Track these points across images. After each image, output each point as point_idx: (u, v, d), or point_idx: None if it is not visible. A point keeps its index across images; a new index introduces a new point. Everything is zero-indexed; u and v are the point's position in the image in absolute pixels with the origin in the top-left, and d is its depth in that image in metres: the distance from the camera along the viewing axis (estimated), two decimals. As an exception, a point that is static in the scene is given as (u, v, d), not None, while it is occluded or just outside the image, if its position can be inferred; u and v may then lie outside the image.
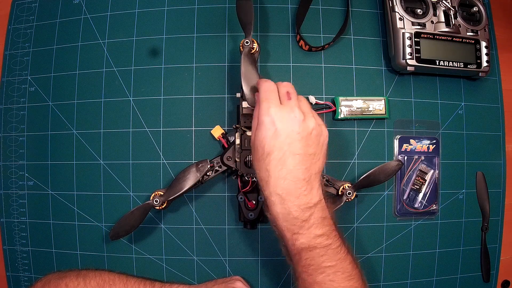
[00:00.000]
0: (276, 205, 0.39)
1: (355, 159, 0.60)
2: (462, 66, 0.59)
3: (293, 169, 0.39)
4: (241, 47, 0.51)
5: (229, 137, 0.57)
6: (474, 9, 0.61)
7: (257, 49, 0.52)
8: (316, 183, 0.40)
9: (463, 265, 0.62)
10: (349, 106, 0.59)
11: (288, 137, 0.39)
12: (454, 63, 0.58)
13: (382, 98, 0.59)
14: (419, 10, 0.59)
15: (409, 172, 0.61)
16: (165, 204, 0.53)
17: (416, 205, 0.61)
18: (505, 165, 0.64)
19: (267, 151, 0.39)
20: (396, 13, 0.58)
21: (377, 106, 0.59)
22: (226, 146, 0.57)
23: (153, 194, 0.53)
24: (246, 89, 0.47)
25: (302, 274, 0.41)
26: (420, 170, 0.61)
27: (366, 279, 0.43)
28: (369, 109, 0.59)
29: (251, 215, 0.54)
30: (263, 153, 0.39)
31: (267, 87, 0.42)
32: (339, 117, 0.59)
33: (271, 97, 0.40)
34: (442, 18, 0.58)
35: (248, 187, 0.53)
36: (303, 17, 0.60)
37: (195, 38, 0.61)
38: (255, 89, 0.46)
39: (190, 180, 0.52)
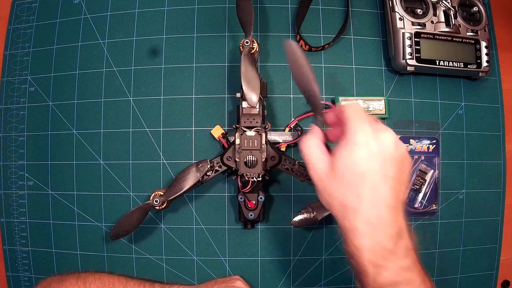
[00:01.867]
0: (364, 236, 0.35)
1: (355, 159, 0.60)
2: (462, 66, 0.59)
3: (385, 196, 0.35)
4: (241, 47, 0.51)
5: (229, 137, 0.57)
6: (474, 9, 0.61)
7: (257, 49, 0.52)
8: (401, 211, 0.36)
9: (463, 265, 0.62)
10: (349, 106, 0.59)
11: (383, 159, 0.35)
12: (454, 63, 0.58)
13: (382, 98, 0.59)
14: (419, 10, 0.59)
15: (409, 172, 0.60)
16: (165, 204, 0.53)
17: (416, 205, 0.61)
18: (505, 165, 0.64)
19: (360, 174, 0.35)
20: (396, 13, 0.58)
21: (377, 106, 0.59)
22: (226, 146, 0.57)
23: (153, 194, 0.53)
24: (246, 88, 0.47)
25: None
26: (420, 170, 0.61)
27: None
28: (369, 109, 0.59)
29: (251, 215, 0.54)
30: (352, 178, 0.35)
31: (357, 106, 0.37)
32: (339, 117, 0.59)
33: (363, 116, 0.36)
34: (442, 18, 0.58)
35: (248, 187, 0.53)
36: (303, 17, 0.60)
37: (195, 38, 0.61)
38: (320, 108, 0.41)
39: (190, 180, 0.51)
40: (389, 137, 0.35)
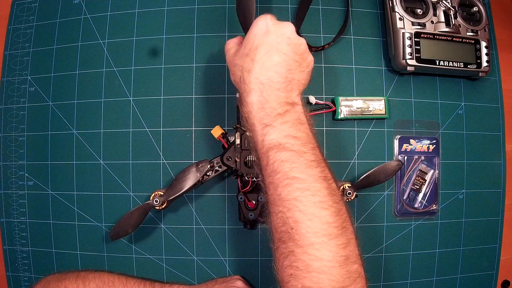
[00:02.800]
0: (254, 93, 0.39)
1: (355, 159, 0.60)
2: (462, 66, 0.59)
3: (277, 64, 0.40)
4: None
5: (229, 137, 0.57)
6: (474, 9, 0.61)
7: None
8: (297, 89, 0.41)
9: (463, 265, 0.62)
10: (349, 106, 0.59)
11: (278, 37, 0.40)
12: (454, 63, 0.58)
13: (382, 98, 0.59)
14: (419, 10, 0.59)
15: (409, 172, 0.61)
16: (165, 204, 0.53)
17: (416, 205, 0.61)
18: (505, 165, 0.64)
19: (255, 45, 0.40)
20: (396, 13, 0.58)
21: (377, 106, 0.59)
22: (226, 146, 0.57)
23: (153, 194, 0.53)
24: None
25: (268, 187, 0.38)
26: (420, 170, 0.61)
27: (358, 237, 0.38)
28: (369, 109, 0.59)
29: (251, 215, 0.54)
30: (251, 48, 0.41)
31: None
32: (339, 117, 0.59)
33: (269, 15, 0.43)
34: (442, 18, 0.58)
35: (248, 187, 0.53)
36: (303, 17, 0.60)
37: (195, 38, 0.61)
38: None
39: (190, 180, 0.52)
40: (288, 26, 0.41)
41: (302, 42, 0.42)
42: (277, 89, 0.39)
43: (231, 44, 0.45)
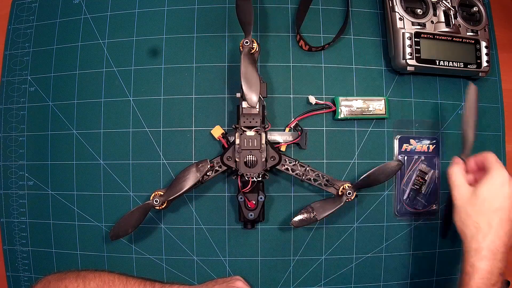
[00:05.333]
0: (483, 262, 0.42)
1: (355, 159, 0.60)
2: (462, 66, 0.59)
3: (506, 234, 0.43)
4: (241, 47, 0.51)
5: (229, 137, 0.57)
6: (474, 9, 0.61)
7: (257, 49, 0.52)
8: (506, 256, 0.44)
9: (463, 265, 0.62)
10: (349, 106, 0.59)
11: None
12: (454, 63, 0.58)
13: (382, 98, 0.59)
14: (419, 10, 0.59)
15: (409, 172, 0.61)
16: (165, 204, 0.53)
17: (416, 205, 0.61)
18: (505, 165, 0.64)
19: (495, 208, 0.43)
20: (396, 13, 0.58)
21: (377, 106, 0.59)
22: (226, 146, 0.57)
23: (153, 194, 0.53)
24: (246, 88, 0.48)
25: None
26: (420, 170, 0.61)
27: None
28: (369, 109, 0.59)
29: (251, 215, 0.54)
30: (489, 208, 0.44)
31: (496, 156, 0.47)
32: (339, 117, 0.59)
33: (501, 163, 0.46)
34: (442, 18, 0.58)
35: (248, 187, 0.53)
36: (303, 17, 0.60)
37: (195, 38, 0.61)
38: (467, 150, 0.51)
39: (190, 180, 0.51)
40: None
41: None
42: (500, 261, 0.43)
43: (461, 180, 0.47)
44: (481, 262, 0.43)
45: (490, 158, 0.47)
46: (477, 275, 0.42)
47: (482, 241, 0.43)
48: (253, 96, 0.48)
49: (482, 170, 0.48)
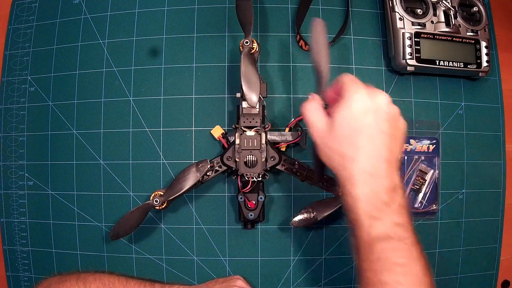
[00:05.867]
0: (360, 185, 0.37)
1: (355, 159, 0.60)
2: (462, 66, 0.59)
3: (380, 148, 0.38)
4: (241, 47, 0.51)
5: (229, 137, 0.57)
6: (474, 9, 0.61)
7: (257, 49, 0.52)
8: (396, 167, 0.39)
9: (463, 265, 0.62)
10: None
11: (378, 115, 0.38)
12: (454, 63, 0.58)
13: (382, 98, 0.59)
14: (419, 10, 0.59)
15: (409, 172, 0.60)
16: (165, 204, 0.53)
17: (416, 205, 0.61)
18: (505, 165, 0.64)
19: (356, 127, 0.38)
20: (396, 13, 0.58)
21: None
22: (226, 146, 0.57)
23: (153, 194, 0.53)
24: (246, 88, 0.47)
25: (367, 272, 0.37)
26: (420, 170, 0.61)
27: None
28: (369, 109, 0.59)
29: (251, 215, 0.54)
30: (350, 132, 0.38)
31: (352, 76, 0.41)
32: (339, 117, 0.58)
33: (358, 81, 0.40)
34: (442, 18, 0.58)
35: (248, 187, 0.53)
36: (303, 17, 0.60)
37: (195, 38, 0.61)
38: (322, 86, 0.44)
39: (190, 180, 0.51)
40: (383, 97, 0.39)
41: (396, 110, 0.40)
42: (382, 177, 0.37)
43: (317, 116, 0.41)
44: (359, 188, 0.37)
45: (344, 79, 0.40)
46: (360, 202, 0.37)
47: (351, 167, 0.37)
48: (253, 96, 0.48)
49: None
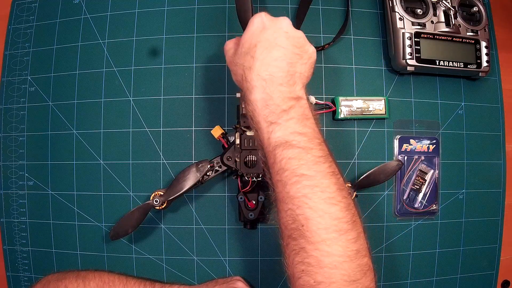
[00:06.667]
0: (257, 91, 0.39)
1: (355, 159, 0.60)
2: (462, 66, 0.59)
3: (278, 59, 0.39)
4: (241, 47, 0.51)
5: (229, 137, 0.57)
6: (474, 9, 0.61)
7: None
8: (300, 83, 0.40)
9: (463, 265, 0.62)
10: (349, 106, 0.59)
11: (276, 32, 0.40)
12: (454, 63, 0.58)
13: (382, 98, 0.59)
14: (419, 10, 0.59)
15: (409, 172, 0.61)
16: (165, 204, 0.53)
17: (416, 205, 0.61)
18: (505, 165, 0.64)
19: (254, 43, 0.40)
20: (396, 13, 0.58)
21: (377, 106, 0.59)
22: (226, 146, 0.57)
23: (153, 194, 0.53)
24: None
25: (276, 185, 0.38)
26: (420, 170, 0.61)
27: (366, 230, 0.39)
28: (369, 109, 0.59)
29: (251, 215, 0.54)
30: (249, 45, 0.40)
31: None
32: (339, 117, 0.59)
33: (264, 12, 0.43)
34: (442, 18, 0.58)
35: (248, 187, 0.53)
36: (303, 17, 0.60)
37: (195, 38, 0.61)
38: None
39: (190, 180, 0.52)
40: (283, 20, 0.42)
41: (300, 34, 0.42)
42: (280, 84, 0.39)
43: (230, 45, 0.45)
44: (257, 94, 0.39)
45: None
46: (258, 107, 0.38)
47: (249, 75, 0.39)
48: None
49: None
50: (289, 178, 0.36)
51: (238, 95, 0.54)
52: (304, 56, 0.41)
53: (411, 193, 0.61)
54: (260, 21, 0.41)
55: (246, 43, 0.41)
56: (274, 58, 0.39)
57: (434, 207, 0.61)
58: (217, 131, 0.58)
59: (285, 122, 0.38)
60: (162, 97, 0.60)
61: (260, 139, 0.40)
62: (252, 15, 0.43)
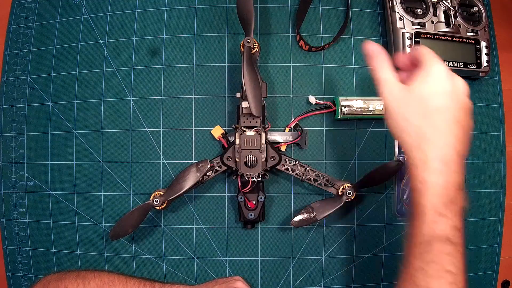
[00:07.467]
0: (433, 174, 0.34)
1: (355, 159, 0.60)
2: (462, 66, 0.59)
3: (457, 140, 0.35)
4: (241, 46, 0.51)
5: (229, 137, 0.57)
6: (474, 9, 0.61)
7: (257, 49, 0.52)
8: (464, 165, 0.36)
9: (463, 265, 0.62)
10: (349, 106, 0.59)
11: (459, 102, 0.35)
12: (454, 63, 0.58)
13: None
14: (419, 10, 0.59)
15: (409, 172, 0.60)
16: (165, 204, 0.53)
17: (416, 205, 0.60)
18: (505, 165, 0.64)
19: (436, 107, 0.35)
20: (396, 13, 0.58)
21: (377, 106, 0.59)
22: (226, 146, 0.57)
23: (153, 194, 0.53)
24: (251, 97, 0.47)
25: (417, 272, 0.35)
26: (420, 170, 0.61)
27: None
28: (369, 109, 0.59)
29: (251, 215, 0.55)
30: (430, 107, 0.35)
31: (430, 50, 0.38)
32: (339, 117, 0.59)
33: (438, 57, 0.36)
34: (442, 18, 0.58)
35: (248, 187, 0.53)
36: (303, 17, 0.60)
37: (195, 38, 0.61)
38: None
39: (190, 180, 0.51)
40: (462, 83, 0.36)
41: (471, 105, 0.37)
42: (454, 172, 0.34)
43: (388, 74, 0.37)
44: (433, 176, 0.34)
45: (425, 51, 0.37)
46: (430, 191, 0.34)
47: (429, 150, 0.35)
48: (257, 106, 0.47)
49: (415, 67, 0.38)
50: (436, 273, 0.35)
51: (238, 95, 0.54)
52: (468, 131, 0.37)
53: (411, 193, 0.60)
54: (442, 76, 0.35)
55: (425, 101, 0.35)
56: (454, 139, 0.35)
57: (434, 207, 0.61)
58: (217, 131, 0.58)
59: (451, 215, 0.34)
60: (162, 97, 0.60)
61: (417, 221, 0.35)
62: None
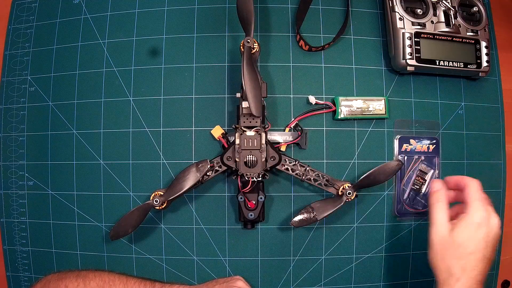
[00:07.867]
0: None
1: (355, 159, 0.60)
2: (462, 66, 0.59)
3: (479, 273, 0.42)
4: (241, 46, 0.51)
5: (229, 137, 0.57)
6: (474, 9, 0.61)
7: (257, 49, 0.52)
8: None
9: (463, 265, 0.62)
10: (349, 106, 0.59)
11: (488, 242, 0.43)
12: (454, 63, 0.58)
13: (382, 98, 0.59)
14: (419, 10, 0.59)
15: (409, 172, 0.61)
16: (165, 204, 0.53)
17: (416, 205, 0.61)
18: (505, 165, 0.64)
19: (470, 251, 0.43)
20: (396, 13, 0.58)
21: (377, 106, 0.59)
22: (226, 146, 0.57)
23: (153, 194, 0.53)
24: (251, 98, 0.47)
25: None
26: (420, 170, 0.61)
27: None
28: (369, 109, 0.59)
29: (251, 215, 0.54)
30: (465, 252, 0.43)
31: (478, 187, 0.45)
32: (339, 117, 0.59)
33: (482, 198, 0.45)
34: (442, 18, 0.58)
35: (248, 187, 0.53)
36: (303, 17, 0.60)
37: (195, 38, 0.61)
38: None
39: (190, 180, 0.51)
40: (496, 222, 0.44)
41: (499, 233, 0.44)
42: None
43: (442, 218, 0.46)
44: None
45: (472, 190, 0.45)
46: None
47: (454, 285, 0.43)
48: (257, 106, 0.48)
49: (461, 191, 0.47)
50: None
51: (238, 95, 0.54)
52: (493, 258, 0.44)
53: (411, 193, 0.61)
54: (482, 223, 0.43)
55: (462, 246, 0.43)
56: (479, 272, 0.42)
57: (434, 207, 0.61)
58: (217, 131, 0.58)
59: None
60: (162, 97, 0.60)
61: None
62: (252, 23, 0.43)
